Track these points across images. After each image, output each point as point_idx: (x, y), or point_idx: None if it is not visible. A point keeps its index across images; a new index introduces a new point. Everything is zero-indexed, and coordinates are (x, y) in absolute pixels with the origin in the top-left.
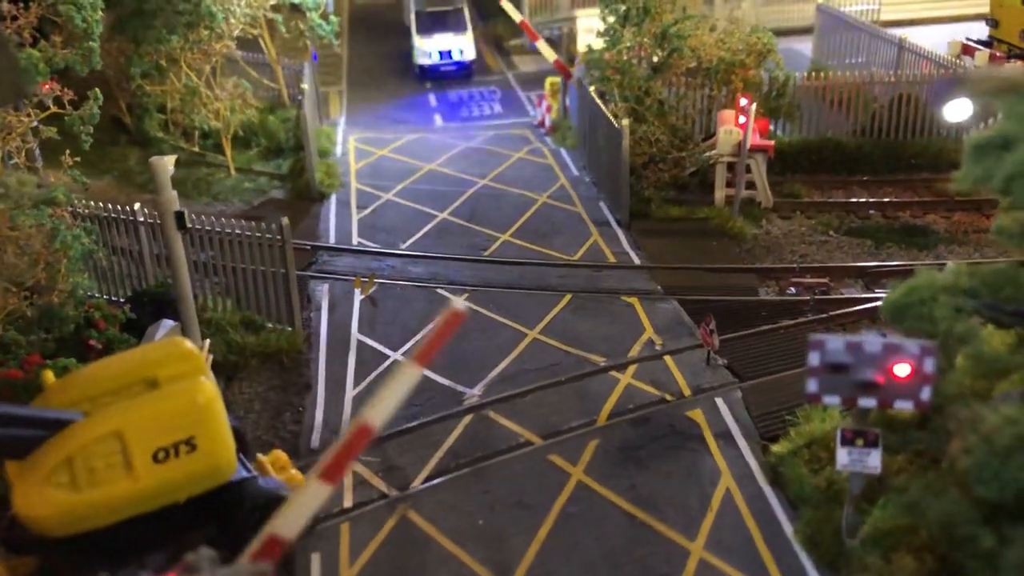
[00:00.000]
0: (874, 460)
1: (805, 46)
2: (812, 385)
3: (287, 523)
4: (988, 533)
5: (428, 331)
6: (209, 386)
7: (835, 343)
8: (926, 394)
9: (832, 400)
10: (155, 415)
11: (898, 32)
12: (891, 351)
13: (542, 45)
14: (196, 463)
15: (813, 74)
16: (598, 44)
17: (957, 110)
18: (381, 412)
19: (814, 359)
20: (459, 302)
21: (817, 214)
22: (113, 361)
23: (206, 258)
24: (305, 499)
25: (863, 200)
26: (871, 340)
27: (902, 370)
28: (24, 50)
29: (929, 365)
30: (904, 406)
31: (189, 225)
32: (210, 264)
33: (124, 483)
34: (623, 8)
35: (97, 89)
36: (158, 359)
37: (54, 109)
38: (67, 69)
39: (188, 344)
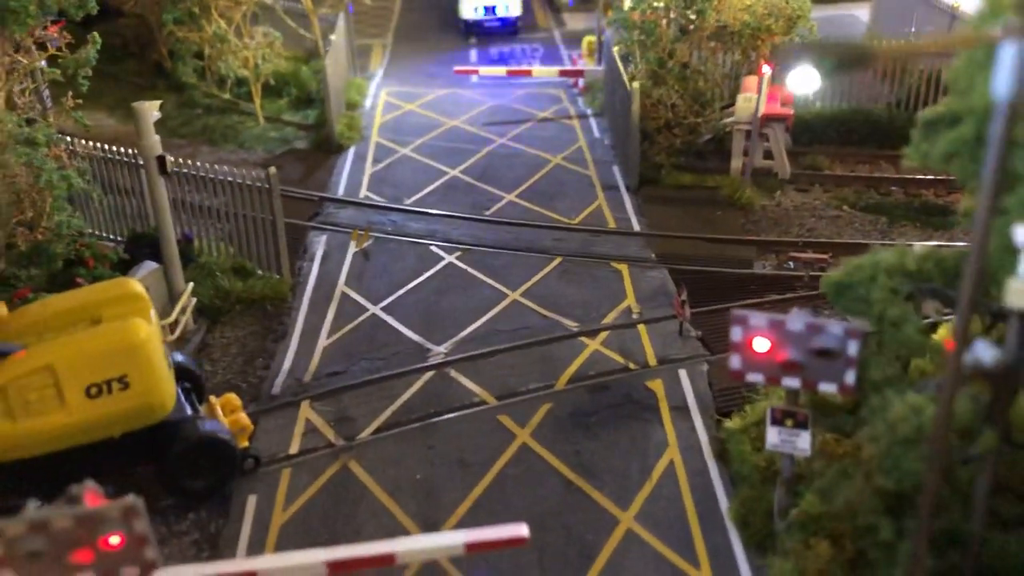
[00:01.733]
0: (803, 442)
1: (865, 13)
2: (736, 362)
3: None
4: (888, 523)
5: (487, 534)
6: (144, 326)
7: (757, 320)
8: (850, 377)
9: (756, 378)
10: (89, 352)
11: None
12: (814, 330)
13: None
14: (129, 400)
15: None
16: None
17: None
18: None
19: (736, 335)
20: (524, 529)
21: (835, 188)
22: (64, 298)
23: (212, 204)
24: None
25: (886, 176)
26: (794, 319)
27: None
28: None
29: (853, 348)
30: (828, 388)
31: (171, 170)
32: (213, 210)
33: (57, 415)
34: None
35: (96, 34)
36: (104, 299)
37: (52, 51)
38: (107, 13)
39: (134, 285)
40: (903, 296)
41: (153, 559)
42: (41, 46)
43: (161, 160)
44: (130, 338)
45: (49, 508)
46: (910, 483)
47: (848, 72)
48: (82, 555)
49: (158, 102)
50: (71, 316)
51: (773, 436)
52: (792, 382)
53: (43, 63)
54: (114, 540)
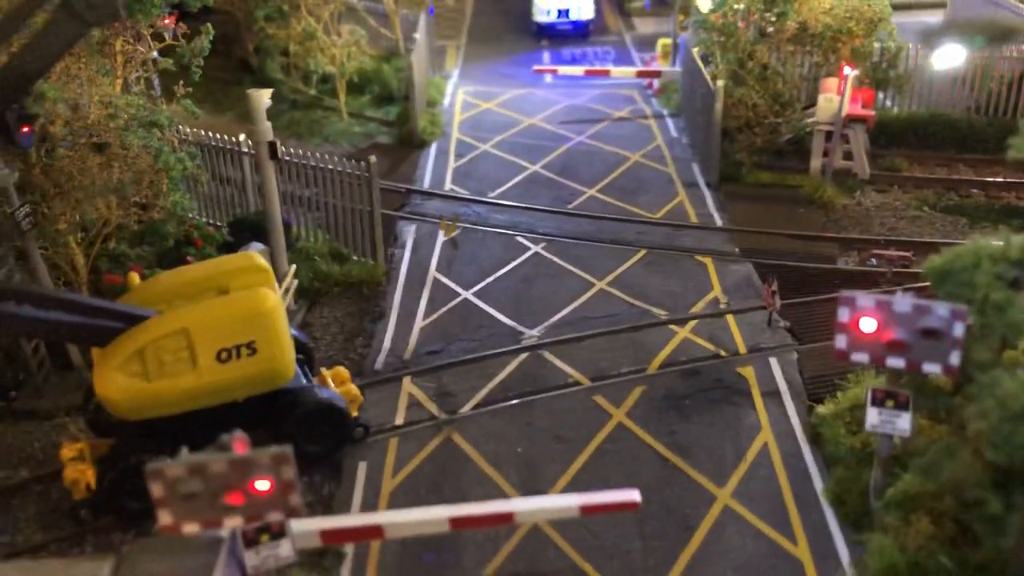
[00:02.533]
0: (903, 423)
1: (937, 19)
2: (841, 342)
3: None
4: (996, 497)
5: (601, 497)
6: (272, 296)
7: (865, 300)
8: (955, 359)
9: (861, 358)
10: (220, 318)
11: None
12: (920, 312)
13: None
14: (255, 366)
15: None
16: (706, 6)
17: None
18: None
19: (843, 315)
20: (636, 494)
21: (915, 189)
22: (191, 268)
23: (309, 194)
24: None
25: (966, 178)
26: (901, 300)
27: (928, 333)
28: None
29: (958, 329)
30: (933, 369)
31: (282, 156)
32: (310, 199)
33: (189, 377)
34: None
35: (210, 24)
36: (231, 270)
37: (169, 41)
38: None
39: (259, 259)
40: (1007, 282)
41: (297, 505)
42: (155, 36)
43: (272, 146)
44: (259, 306)
45: (204, 454)
46: (1020, 457)
47: (995, 46)
48: (233, 498)
49: (270, 90)
50: (200, 286)
51: (873, 416)
52: (897, 362)
53: (155, 53)
54: (263, 485)
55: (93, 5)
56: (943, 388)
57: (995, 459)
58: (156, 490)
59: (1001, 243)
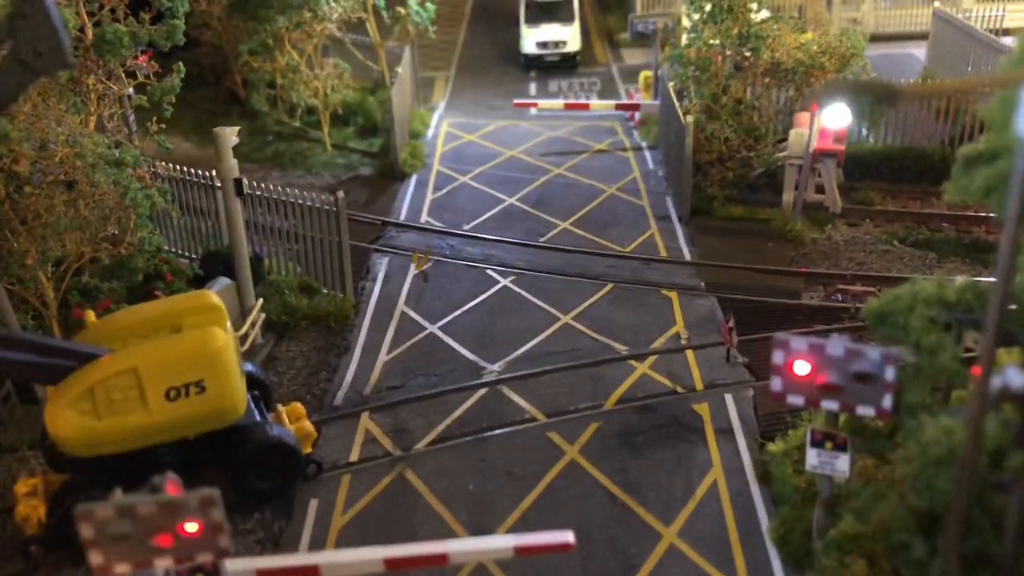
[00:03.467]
0: (842, 464)
1: (923, 51)
2: (776, 384)
3: None
4: (921, 542)
5: (535, 539)
6: (221, 335)
7: (798, 344)
8: (887, 402)
9: (796, 400)
10: (169, 357)
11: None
12: (852, 355)
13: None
14: (204, 404)
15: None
16: (683, 41)
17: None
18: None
19: (778, 358)
20: (570, 536)
21: (886, 223)
22: (146, 307)
23: (281, 226)
24: None
25: (937, 212)
26: (834, 343)
27: (862, 377)
28: (110, 25)
29: (890, 373)
30: (866, 411)
31: (247, 192)
32: (285, 231)
33: (139, 415)
34: (708, 6)
35: (180, 64)
36: (184, 309)
37: (141, 79)
38: (185, 43)
39: (212, 297)
40: (941, 326)
41: (226, 547)
42: (129, 74)
43: (238, 182)
44: (208, 345)
45: (134, 495)
46: (941, 503)
47: (882, 109)
48: (163, 539)
49: (237, 128)
50: (153, 324)
51: (813, 458)
52: (831, 404)
53: (131, 90)
54: (192, 527)
55: (41, 54)
56: (881, 430)
57: (918, 504)
58: (86, 531)
59: (937, 287)
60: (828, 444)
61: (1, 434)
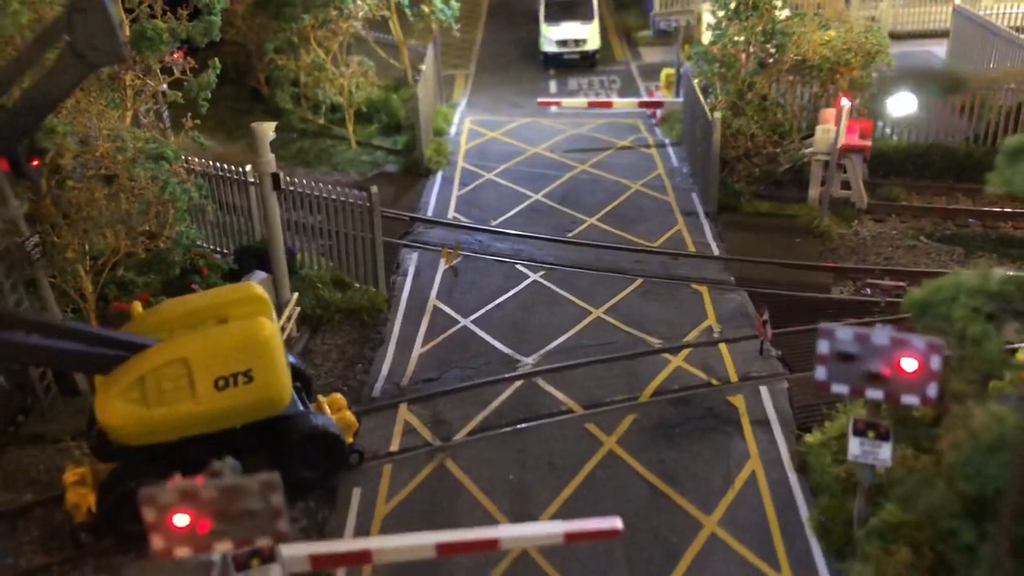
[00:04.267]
0: (884, 453)
1: (942, 49)
2: (821, 372)
3: None
4: (969, 528)
5: (584, 525)
6: (269, 325)
7: (844, 333)
8: (932, 390)
9: (840, 389)
10: (218, 347)
11: None
12: (898, 345)
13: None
14: (252, 393)
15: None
16: (707, 38)
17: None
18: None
19: (823, 347)
20: (618, 522)
21: (912, 219)
22: (192, 298)
23: (313, 222)
24: None
25: (964, 208)
26: (879, 333)
27: (909, 365)
28: (150, 21)
29: (935, 362)
30: (911, 400)
31: (284, 187)
32: (314, 227)
33: (188, 404)
34: (733, 4)
35: (216, 59)
36: (230, 300)
37: (177, 75)
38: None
39: (258, 288)
40: (984, 315)
41: (285, 531)
42: (164, 70)
43: (275, 177)
44: (256, 335)
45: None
46: (991, 488)
47: (946, 97)
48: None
49: (274, 123)
50: (200, 315)
51: (855, 447)
52: (876, 394)
53: (165, 87)
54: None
55: (97, 48)
56: (924, 419)
57: (967, 490)
58: (149, 515)
59: (980, 277)
60: (871, 433)
61: (43, 425)
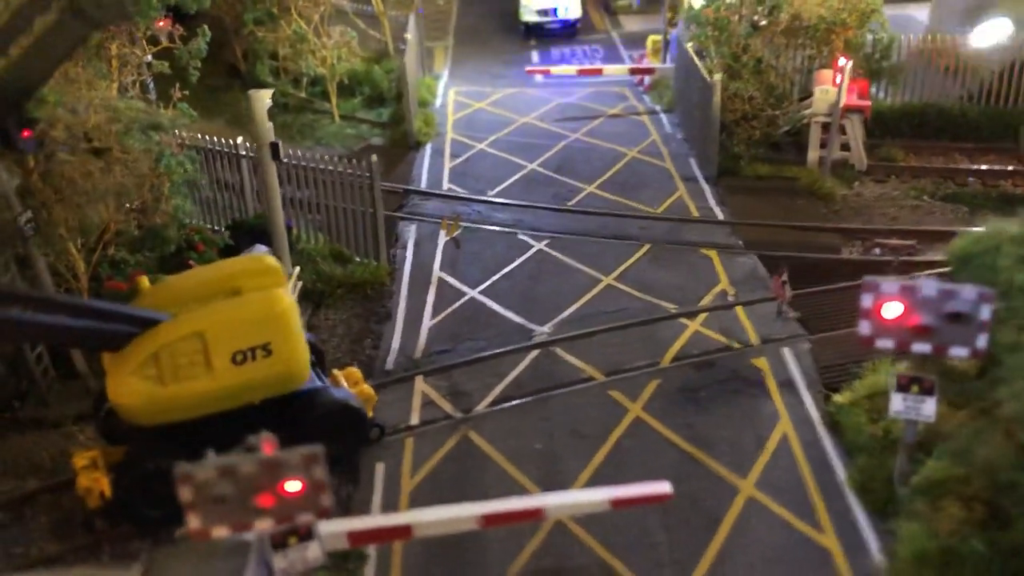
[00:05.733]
0: (928, 408)
1: (923, 13)
2: (865, 328)
3: None
4: None
5: (632, 490)
6: (286, 297)
7: (889, 286)
8: (982, 342)
9: (885, 344)
10: (235, 320)
11: None
12: (946, 296)
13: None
14: (271, 367)
15: (928, 37)
16: (698, 1)
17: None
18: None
19: (867, 301)
20: (667, 486)
21: (912, 179)
22: (202, 271)
23: (304, 196)
24: None
25: (962, 167)
26: (926, 284)
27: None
28: None
29: (985, 312)
30: (959, 353)
31: (284, 158)
32: (309, 202)
33: (204, 380)
34: None
35: (205, 26)
36: (242, 271)
37: (165, 44)
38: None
39: (270, 259)
40: None
41: (328, 506)
42: (151, 40)
43: (275, 147)
44: (275, 307)
45: (234, 455)
46: None
47: None
48: (264, 500)
49: (270, 91)
50: (211, 288)
51: (898, 403)
52: (923, 347)
53: (149, 57)
54: (294, 486)
55: (103, 5)
56: (968, 373)
57: None
58: (185, 493)
59: (1021, 226)
60: (915, 388)
61: (42, 410)
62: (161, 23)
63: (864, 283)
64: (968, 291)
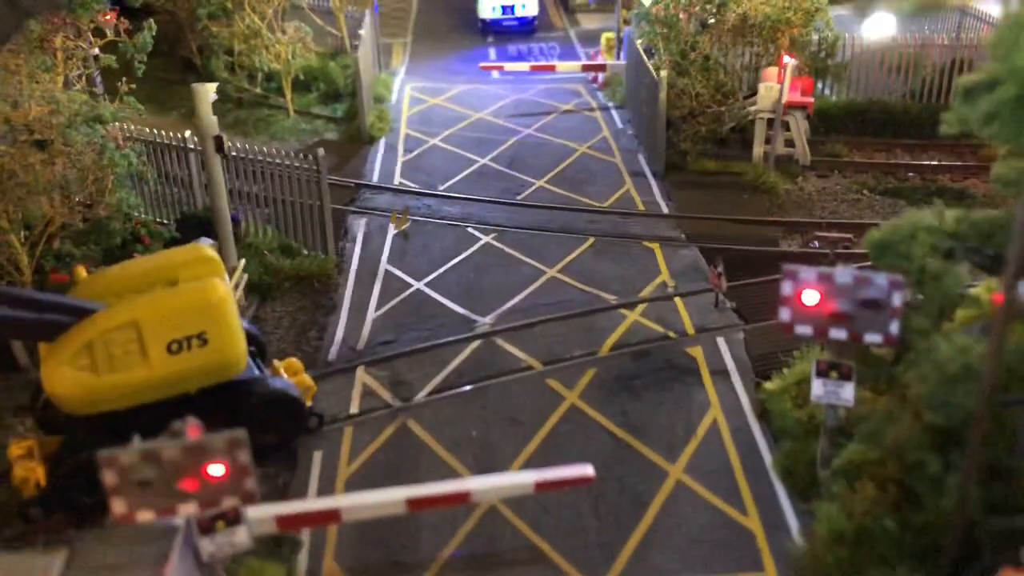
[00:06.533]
0: (847, 393)
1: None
2: (785, 314)
3: None
4: (935, 459)
5: (556, 473)
6: (222, 286)
7: (807, 273)
8: (894, 328)
9: (804, 330)
10: (170, 309)
11: None
12: (861, 283)
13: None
14: (206, 357)
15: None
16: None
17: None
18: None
19: (787, 288)
20: (590, 469)
21: (855, 174)
22: (140, 261)
23: (253, 190)
24: None
25: (903, 162)
26: (842, 272)
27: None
28: None
29: (897, 299)
30: (873, 339)
31: (228, 151)
32: (258, 195)
33: (139, 370)
34: None
35: (152, 20)
36: (179, 262)
37: (111, 37)
38: (136, 11)
39: (207, 249)
40: (942, 253)
41: (252, 490)
42: (97, 32)
43: (219, 140)
44: (210, 296)
45: (158, 440)
46: (958, 418)
47: (923, 15)
48: (188, 484)
49: (215, 84)
50: (148, 278)
51: (818, 388)
52: (839, 333)
53: (96, 50)
54: (218, 470)
55: None
56: (884, 358)
57: (934, 421)
58: (109, 478)
59: (935, 216)
60: (833, 373)
61: None
62: (107, 16)
63: (784, 271)
64: (881, 279)
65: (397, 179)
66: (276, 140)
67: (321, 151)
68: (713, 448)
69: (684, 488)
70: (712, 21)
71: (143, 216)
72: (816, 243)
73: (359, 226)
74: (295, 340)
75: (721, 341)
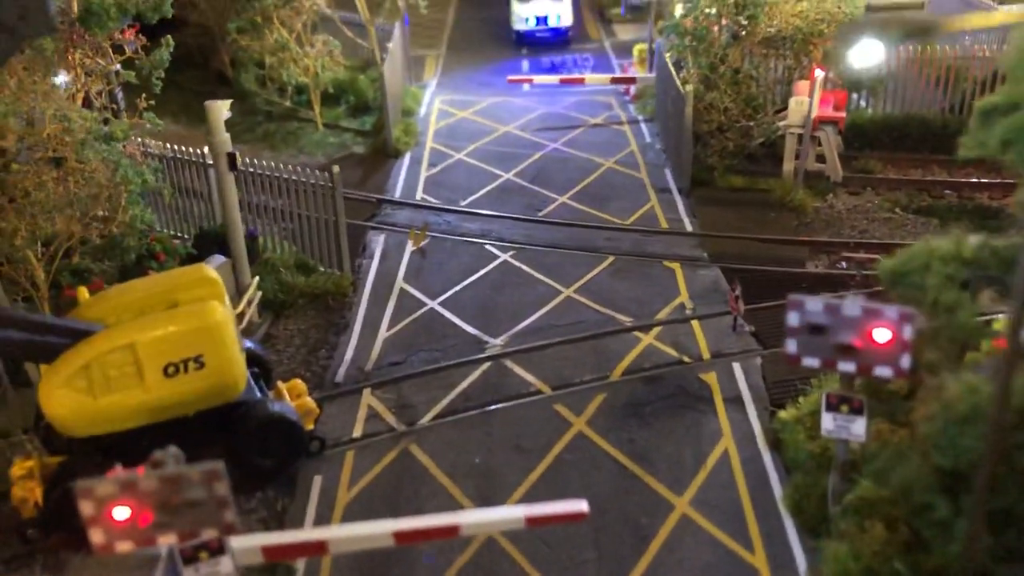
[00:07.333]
0: (858, 428)
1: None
2: (791, 346)
3: None
4: (944, 502)
5: (547, 508)
6: (220, 309)
7: (814, 304)
8: (905, 361)
9: (811, 362)
10: (167, 332)
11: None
12: (870, 315)
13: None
14: (204, 380)
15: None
16: (680, 11)
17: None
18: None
19: (793, 319)
20: (583, 504)
21: (888, 191)
22: (141, 283)
23: (275, 205)
24: None
25: (939, 179)
26: (850, 303)
27: (881, 336)
28: None
29: (907, 332)
30: (884, 373)
31: (240, 167)
32: (277, 210)
33: (136, 392)
34: None
35: (169, 36)
36: (180, 283)
37: (130, 54)
38: (171, 23)
39: (208, 271)
40: (958, 283)
41: (232, 522)
42: (117, 49)
43: (231, 156)
44: (207, 319)
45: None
46: (966, 461)
47: (913, 42)
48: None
49: (229, 101)
50: (149, 300)
51: (828, 422)
52: (848, 366)
53: (118, 66)
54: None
55: (25, 16)
56: (898, 392)
57: (942, 463)
58: (86, 509)
59: (954, 243)
60: (844, 407)
61: None
62: (127, 33)
63: (789, 301)
64: (890, 311)
65: (419, 194)
66: (304, 154)
67: (336, 167)
68: (722, 480)
69: (689, 522)
70: (744, 33)
71: (159, 232)
72: (843, 264)
73: (378, 242)
74: (305, 359)
75: (737, 367)
